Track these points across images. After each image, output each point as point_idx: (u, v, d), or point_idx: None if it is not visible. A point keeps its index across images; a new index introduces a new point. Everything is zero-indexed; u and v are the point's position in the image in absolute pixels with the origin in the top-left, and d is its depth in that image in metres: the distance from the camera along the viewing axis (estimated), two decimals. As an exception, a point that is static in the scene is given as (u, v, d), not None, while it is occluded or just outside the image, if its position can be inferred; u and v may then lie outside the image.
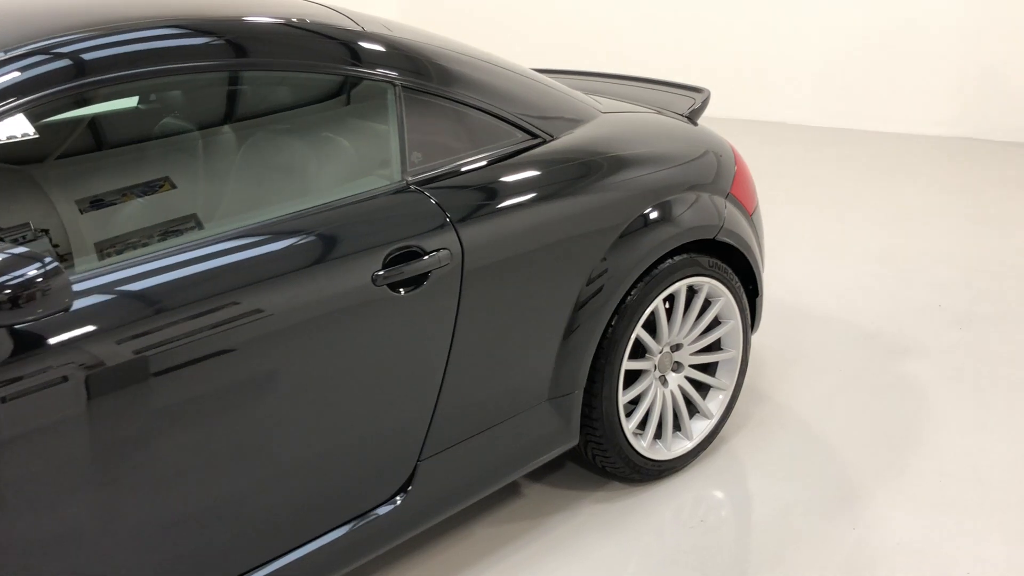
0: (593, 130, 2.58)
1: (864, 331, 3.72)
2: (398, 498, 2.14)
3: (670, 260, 2.58)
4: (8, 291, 1.48)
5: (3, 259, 1.48)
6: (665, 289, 2.59)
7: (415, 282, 2.04)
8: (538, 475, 2.83)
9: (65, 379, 1.58)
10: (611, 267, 2.42)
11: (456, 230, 2.11)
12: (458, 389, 2.19)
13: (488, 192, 2.23)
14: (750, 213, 2.89)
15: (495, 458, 2.34)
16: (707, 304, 2.78)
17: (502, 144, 2.35)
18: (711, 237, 2.67)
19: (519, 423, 2.37)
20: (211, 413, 1.79)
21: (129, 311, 1.67)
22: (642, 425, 2.70)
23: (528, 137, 2.41)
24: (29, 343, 1.56)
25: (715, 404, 2.90)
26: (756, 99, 7.43)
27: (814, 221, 5.05)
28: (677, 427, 2.81)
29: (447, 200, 2.13)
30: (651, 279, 2.54)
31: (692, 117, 3.04)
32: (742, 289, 2.83)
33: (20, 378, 1.54)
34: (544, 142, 2.43)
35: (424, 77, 2.20)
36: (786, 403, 3.21)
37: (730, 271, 2.77)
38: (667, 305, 2.66)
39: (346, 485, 2.05)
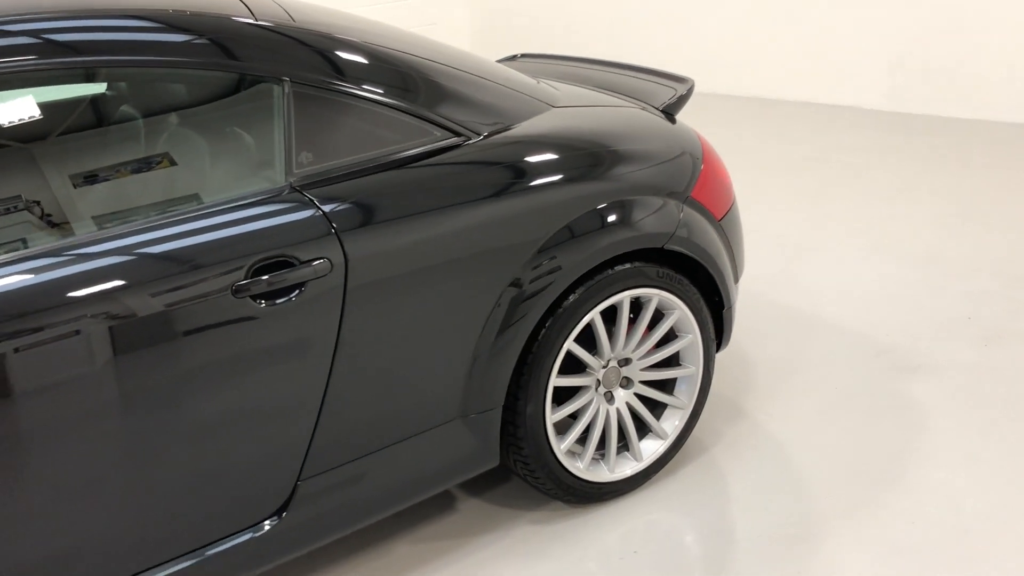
0: (530, 127, 2.38)
1: (876, 345, 3.40)
2: (268, 522, 2.02)
3: (609, 270, 2.38)
4: None
5: None
6: (602, 301, 2.39)
7: (287, 294, 1.91)
8: (479, 489, 2.68)
9: None
10: (529, 282, 2.23)
11: (340, 239, 1.96)
12: (344, 408, 2.05)
13: (385, 198, 2.07)
14: (718, 217, 2.64)
15: (395, 478, 2.20)
16: (661, 317, 2.56)
17: (415, 144, 2.19)
18: (659, 246, 2.45)
19: (424, 442, 2.22)
20: (72, 423, 1.72)
21: None
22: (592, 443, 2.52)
23: (448, 135, 2.24)
24: None
25: (671, 424, 2.68)
26: (823, 80, 6.99)
27: (857, 214, 4.68)
28: (628, 447, 2.62)
29: (335, 206, 1.99)
30: (585, 291, 2.34)
31: (671, 109, 2.80)
32: (702, 301, 2.60)
33: None
34: (467, 140, 2.25)
35: (320, 72, 2.06)
36: (766, 423, 2.96)
37: (686, 282, 2.54)
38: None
39: (216, 504, 1.95)
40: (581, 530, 2.52)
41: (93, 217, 1.94)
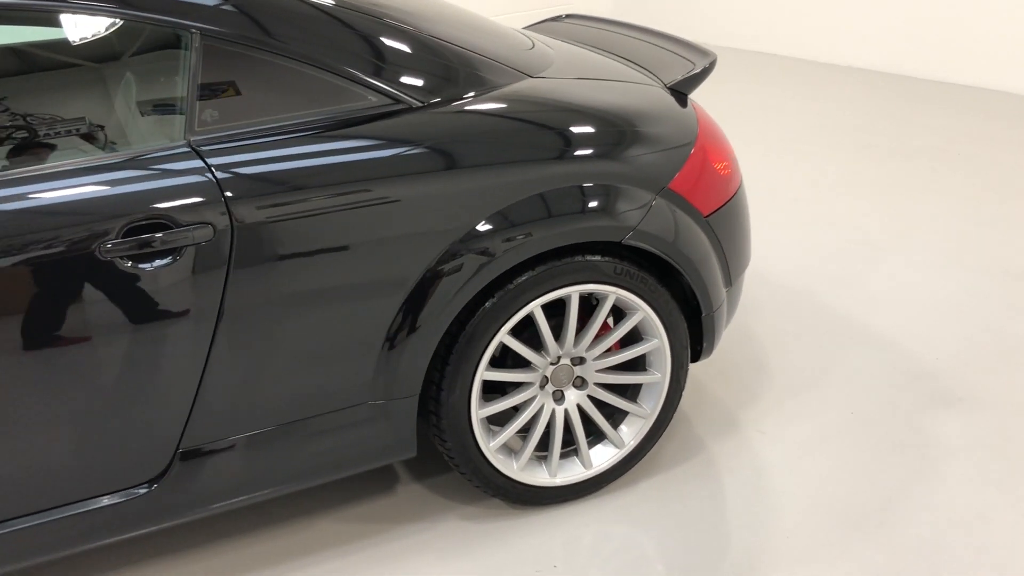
0: (483, 99, 2.18)
1: (918, 368, 3.01)
2: (144, 487, 1.98)
3: (555, 262, 2.17)
4: None
5: None
6: (544, 295, 2.19)
7: (163, 257, 1.83)
8: (424, 474, 2.56)
9: None
10: (451, 271, 2.06)
11: (228, 206, 1.86)
12: (228, 382, 1.96)
13: (291, 166, 1.94)
14: (705, 213, 2.37)
15: (290, 458, 2.10)
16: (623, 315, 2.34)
17: (340, 109, 2.04)
18: (616, 240, 2.22)
19: (326, 425, 2.10)
20: None
21: None
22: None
23: (385, 102, 2.07)
24: None
25: (630, 431, 2.46)
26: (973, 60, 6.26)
27: (959, 213, 4.17)
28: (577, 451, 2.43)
29: (230, 171, 1.88)
30: (523, 282, 2.15)
31: (682, 87, 2.52)
32: (672, 303, 2.35)
33: None
34: (404, 109, 2.09)
35: (234, 25, 1.94)
36: (755, 441, 2.68)
37: (651, 281, 2.29)
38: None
39: (91, 463, 1.92)
40: (509, 533, 2.36)
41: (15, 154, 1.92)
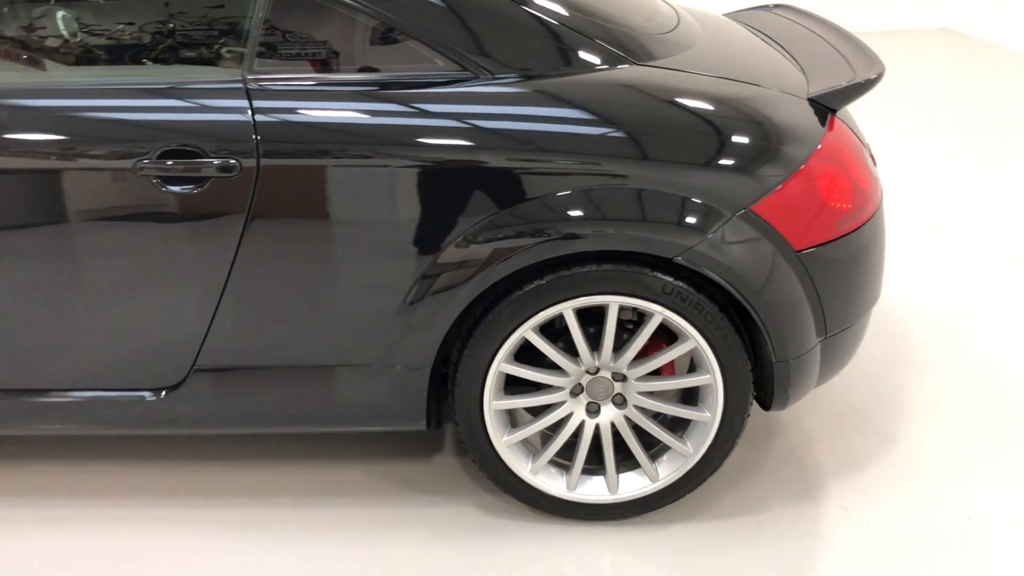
0: (559, 80, 2.04)
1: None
2: (160, 392, 2.13)
3: (593, 267, 2.01)
4: None
5: None
6: (576, 298, 2.03)
7: (191, 184, 1.94)
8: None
9: None
10: (470, 252, 1.98)
11: (258, 148, 1.92)
12: (242, 313, 2.05)
13: (332, 121, 1.96)
14: (797, 247, 2.05)
15: (293, 400, 2.15)
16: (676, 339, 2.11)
17: (405, 70, 2.02)
18: (667, 256, 1.99)
19: (333, 376, 2.13)
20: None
21: None
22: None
23: (453, 70, 2.02)
24: None
25: (668, 467, 2.23)
26: None
27: None
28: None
29: (270, 115, 1.94)
30: (555, 280, 2.01)
31: (829, 100, 2.18)
32: (735, 339, 2.08)
33: None
34: (470, 79, 2.01)
35: (309, -27, 1.98)
36: (826, 520, 2.31)
37: (709, 308, 2.04)
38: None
39: (118, 360, 2.11)
40: (510, 534, 2.25)
41: (69, 65, 2.14)
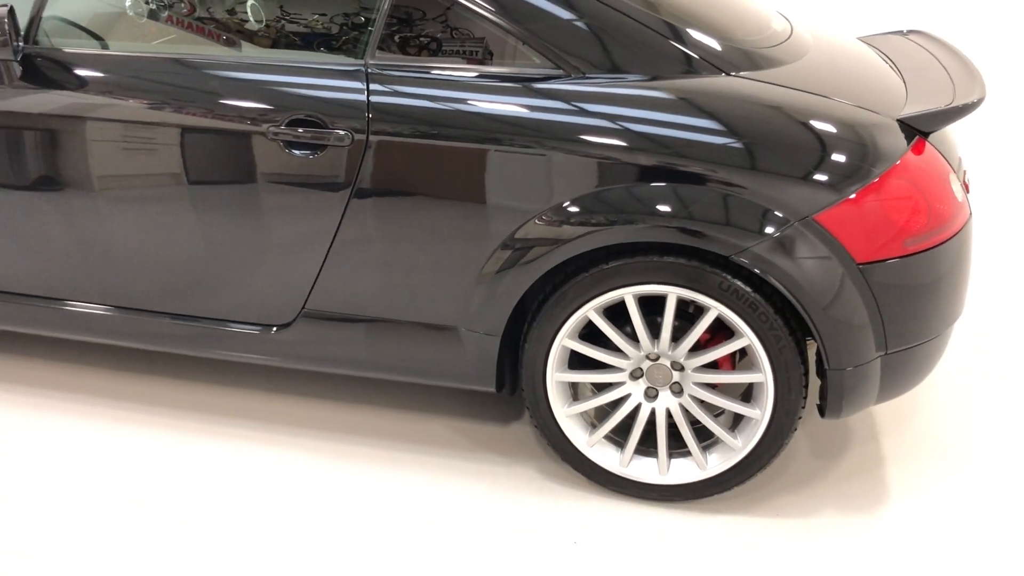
0: (648, 83, 2.21)
1: None
2: (271, 328, 2.47)
3: (655, 256, 2.16)
4: None
5: None
6: (638, 285, 2.19)
7: (311, 150, 2.26)
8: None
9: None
10: (539, 233, 2.19)
11: (369, 124, 2.22)
12: (345, 266, 2.34)
13: (434, 107, 2.22)
14: (859, 259, 2.12)
15: (383, 349, 2.43)
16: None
17: (504, 64, 2.25)
18: (724, 255, 2.11)
19: (420, 333, 2.38)
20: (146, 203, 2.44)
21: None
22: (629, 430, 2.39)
23: (549, 67, 2.23)
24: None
25: (717, 458, 2.34)
26: None
27: None
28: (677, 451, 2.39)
29: (383, 97, 2.23)
30: (620, 265, 2.18)
31: (919, 123, 2.23)
32: (787, 340, 2.17)
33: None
34: (565, 77, 2.22)
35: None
36: (871, 522, 2.34)
37: (763, 308, 2.14)
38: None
39: (239, 295, 2.46)
40: (566, 499, 2.43)
41: (228, 40, 2.54)
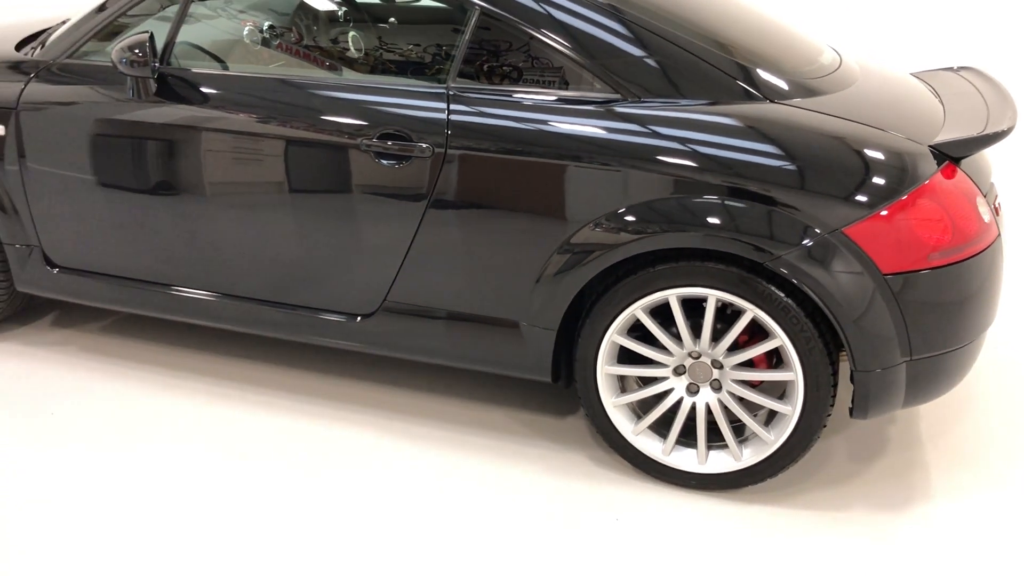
0: (696, 107, 2.46)
1: None
2: (358, 317, 2.80)
3: (695, 261, 2.41)
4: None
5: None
6: (682, 287, 2.44)
7: (398, 160, 2.58)
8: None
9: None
10: (590, 239, 2.47)
11: (447, 140, 2.54)
12: (422, 264, 2.65)
13: (505, 125, 2.52)
14: (884, 270, 2.32)
15: (455, 338, 2.73)
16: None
17: (570, 89, 2.54)
18: (759, 261, 2.34)
19: (486, 325, 2.67)
20: (251, 203, 2.82)
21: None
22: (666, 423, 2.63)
23: (608, 92, 2.51)
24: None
25: (752, 451, 2.55)
26: None
27: None
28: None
29: (461, 116, 2.55)
30: (665, 268, 2.44)
31: (950, 149, 2.43)
32: (816, 342, 2.38)
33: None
34: (622, 101, 2.50)
35: (508, 9, 2.56)
36: (899, 523, 2.50)
37: (795, 312, 2.36)
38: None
39: (329, 286, 2.80)
40: (609, 484, 2.67)
41: (330, 65, 2.92)
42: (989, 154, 2.73)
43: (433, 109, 2.58)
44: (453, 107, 2.57)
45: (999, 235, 2.52)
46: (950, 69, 3.24)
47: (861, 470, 2.75)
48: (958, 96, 2.87)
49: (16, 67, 3.08)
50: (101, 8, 3.03)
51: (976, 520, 2.55)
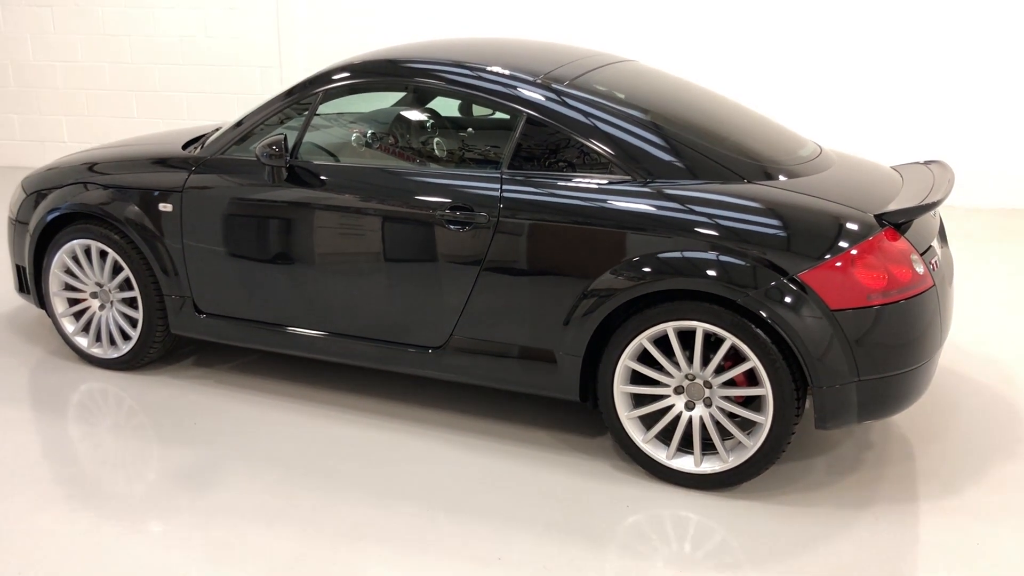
0: (686, 187, 3.24)
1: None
2: (430, 349, 3.59)
3: (687, 301, 3.14)
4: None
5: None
6: (675, 320, 3.16)
7: (463, 225, 3.42)
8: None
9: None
10: (606, 285, 3.23)
11: (500, 211, 3.37)
12: (480, 304, 3.44)
13: (543, 201, 3.34)
14: (832, 306, 3.00)
15: (508, 365, 3.48)
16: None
17: (595, 174, 3.36)
18: (732, 299, 3.05)
19: (531, 355, 3.43)
20: (350, 261, 3.69)
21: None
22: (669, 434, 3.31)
23: (625, 176, 3.32)
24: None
25: (735, 454, 3.20)
26: None
27: None
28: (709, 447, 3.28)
29: (512, 193, 3.38)
30: (662, 307, 3.17)
31: (890, 218, 3.14)
32: (781, 363, 3.05)
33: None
34: (635, 182, 3.30)
35: (547, 114, 3.42)
36: (877, 520, 3.08)
37: (763, 339, 3.05)
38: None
39: (408, 324, 3.62)
40: (623, 486, 3.34)
41: (417, 159, 3.84)
42: (932, 221, 3.42)
43: (490, 188, 3.43)
44: (506, 187, 3.40)
45: (933, 285, 3.18)
46: (919, 163, 3.94)
47: (834, 479, 3.34)
48: (917, 181, 3.57)
49: (183, 161, 4.07)
50: (239, 123, 4.01)
51: (918, 525, 3.11)
